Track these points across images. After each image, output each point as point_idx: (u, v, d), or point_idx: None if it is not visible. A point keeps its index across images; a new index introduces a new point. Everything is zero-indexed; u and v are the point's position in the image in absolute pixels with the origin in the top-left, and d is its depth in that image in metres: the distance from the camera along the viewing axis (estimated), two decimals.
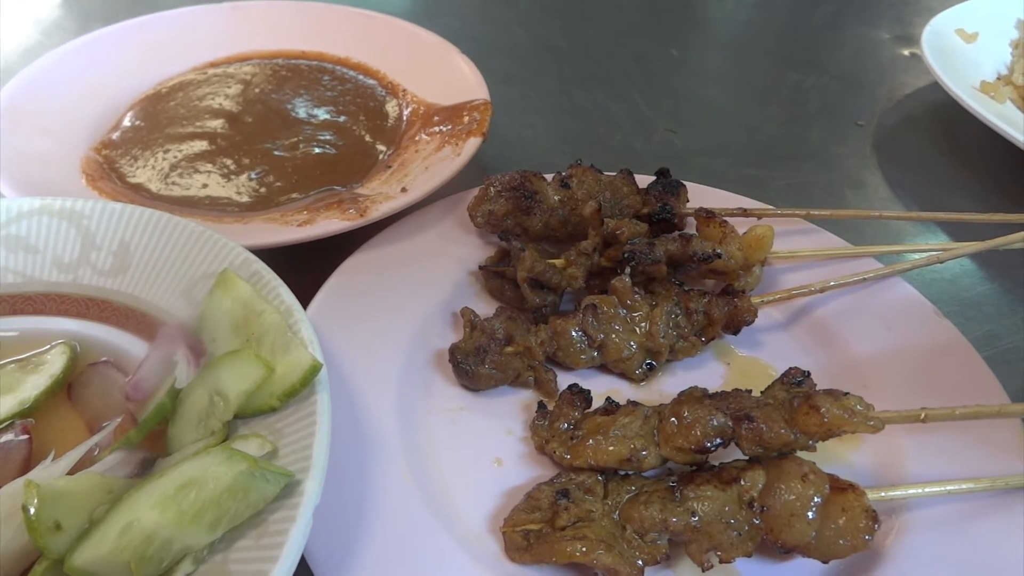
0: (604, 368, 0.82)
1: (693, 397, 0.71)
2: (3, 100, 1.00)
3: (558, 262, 0.85)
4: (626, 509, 0.67)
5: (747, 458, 0.68)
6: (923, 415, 0.65)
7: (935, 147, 1.28)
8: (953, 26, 1.35)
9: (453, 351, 0.79)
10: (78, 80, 1.08)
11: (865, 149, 1.27)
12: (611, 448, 0.69)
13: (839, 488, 0.64)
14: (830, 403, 0.64)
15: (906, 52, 1.55)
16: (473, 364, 0.77)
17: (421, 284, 0.86)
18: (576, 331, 0.80)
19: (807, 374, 0.71)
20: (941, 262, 0.91)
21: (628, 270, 0.83)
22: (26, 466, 0.63)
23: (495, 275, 0.87)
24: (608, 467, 0.69)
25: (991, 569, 0.64)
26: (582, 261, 0.85)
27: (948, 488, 0.67)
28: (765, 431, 0.65)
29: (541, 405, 0.76)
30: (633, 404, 0.73)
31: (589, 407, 0.76)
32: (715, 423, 0.67)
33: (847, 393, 0.66)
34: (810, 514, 0.63)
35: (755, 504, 0.64)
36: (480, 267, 0.89)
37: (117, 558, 0.52)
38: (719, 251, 0.85)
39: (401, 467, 0.69)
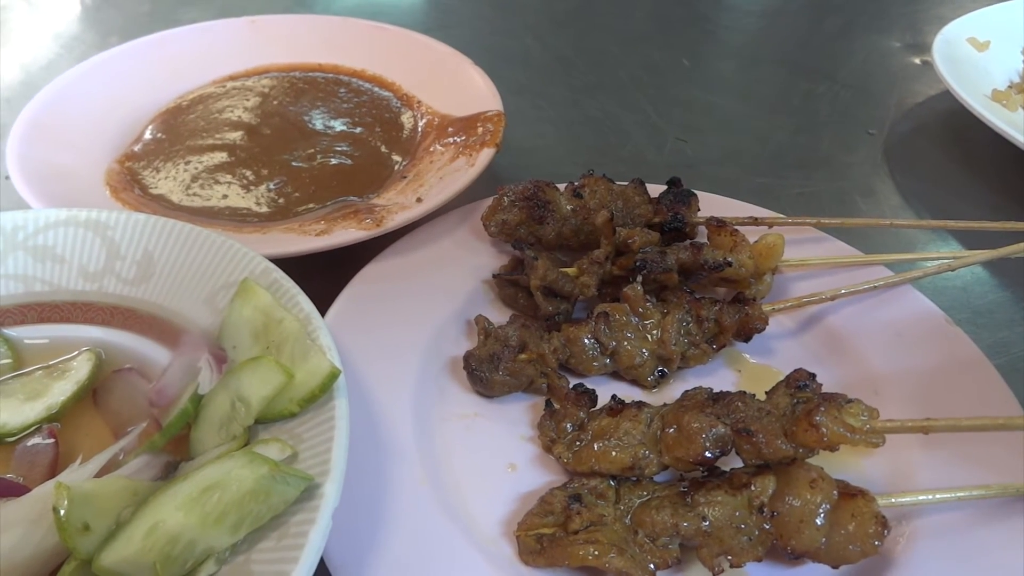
0: (616, 375, 0.83)
1: (696, 402, 0.72)
2: (29, 115, 1.02)
3: (571, 271, 0.86)
4: (638, 513, 0.68)
5: (756, 464, 0.69)
6: (927, 427, 0.65)
7: (947, 155, 1.29)
8: (964, 34, 1.36)
9: (468, 358, 0.80)
10: (101, 94, 1.11)
11: (876, 157, 1.27)
12: (614, 455, 0.70)
13: (849, 494, 0.65)
14: (830, 420, 0.64)
15: (917, 60, 1.56)
16: (487, 371, 0.79)
17: (436, 292, 0.87)
18: (589, 338, 0.81)
19: (812, 377, 0.72)
20: (952, 270, 0.91)
21: (640, 278, 0.84)
22: (53, 469, 0.65)
23: (509, 283, 0.89)
24: (612, 473, 0.70)
25: (994, 571, 0.64)
26: (594, 270, 0.86)
27: (959, 494, 0.67)
28: (763, 446, 0.66)
29: (548, 404, 0.77)
30: (638, 405, 0.74)
31: (595, 406, 0.77)
32: (715, 434, 0.68)
33: (851, 400, 0.66)
34: (819, 520, 0.63)
35: (765, 509, 0.65)
36: (494, 276, 0.90)
37: (143, 558, 0.53)
38: (730, 260, 0.86)
39: (417, 471, 0.70)
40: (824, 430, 0.64)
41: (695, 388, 0.74)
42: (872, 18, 1.74)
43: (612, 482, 0.70)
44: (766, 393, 0.72)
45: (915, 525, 0.68)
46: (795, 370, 0.72)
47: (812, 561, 0.65)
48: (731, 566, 0.64)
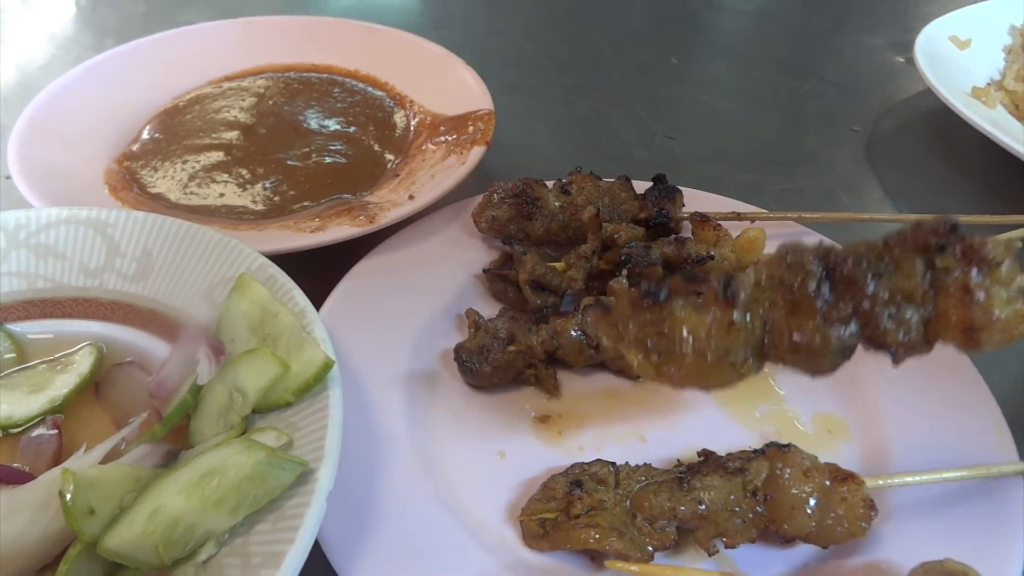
0: (603, 365, 0.85)
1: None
2: (29, 116, 1.04)
3: (558, 265, 0.89)
4: (637, 498, 0.70)
5: (752, 451, 0.71)
6: None
7: (929, 151, 1.31)
8: (947, 33, 1.38)
9: (458, 350, 0.82)
10: (99, 95, 1.13)
11: (860, 154, 1.30)
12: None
13: (839, 478, 0.67)
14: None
15: (902, 59, 1.58)
16: (477, 362, 0.81)
17: (427, 287, 0.90)
18: (576, 331, 0.83)
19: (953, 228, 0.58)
20: None
21: (625, 272, 0.86)
22: (57, 458, 0.67)
23: (498, 278, 0.91)
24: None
25: (968, 546, 0.66)
26: (581, 264, 0.88)
27: (944, 475, 0.69)
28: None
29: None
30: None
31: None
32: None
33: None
34: (809, 508, 0.66)
35: (759, 493, 0.67)
36: (484, 270, 0.92)
37: (146, 541, 0.56)
38: (713, 253, 0.88)
39: (409, 459, 0.73)
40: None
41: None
42: (859, 17, 1.77)
43: (612, 468, 0.72)
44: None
45: (891, 503, 0.70)
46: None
47: (803, 543, 0.67)
48: (726, 547, 0.67)
